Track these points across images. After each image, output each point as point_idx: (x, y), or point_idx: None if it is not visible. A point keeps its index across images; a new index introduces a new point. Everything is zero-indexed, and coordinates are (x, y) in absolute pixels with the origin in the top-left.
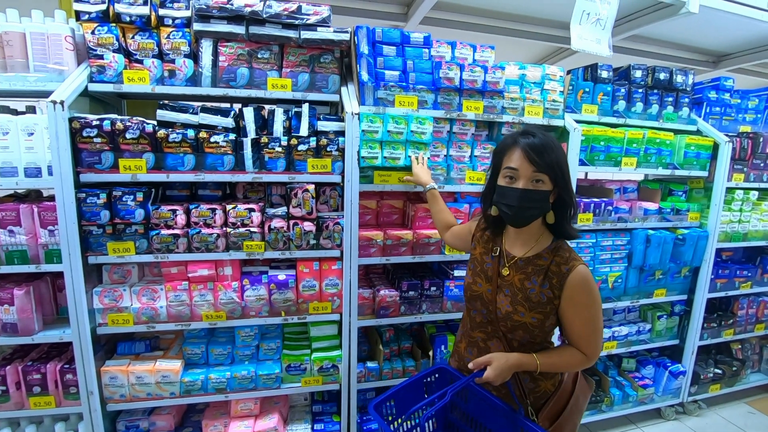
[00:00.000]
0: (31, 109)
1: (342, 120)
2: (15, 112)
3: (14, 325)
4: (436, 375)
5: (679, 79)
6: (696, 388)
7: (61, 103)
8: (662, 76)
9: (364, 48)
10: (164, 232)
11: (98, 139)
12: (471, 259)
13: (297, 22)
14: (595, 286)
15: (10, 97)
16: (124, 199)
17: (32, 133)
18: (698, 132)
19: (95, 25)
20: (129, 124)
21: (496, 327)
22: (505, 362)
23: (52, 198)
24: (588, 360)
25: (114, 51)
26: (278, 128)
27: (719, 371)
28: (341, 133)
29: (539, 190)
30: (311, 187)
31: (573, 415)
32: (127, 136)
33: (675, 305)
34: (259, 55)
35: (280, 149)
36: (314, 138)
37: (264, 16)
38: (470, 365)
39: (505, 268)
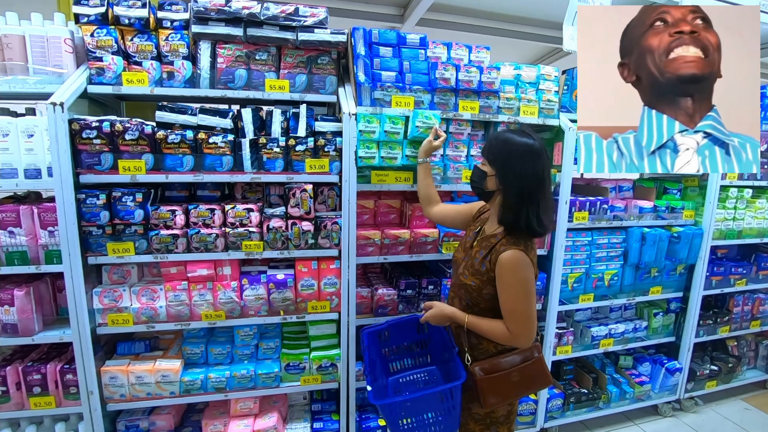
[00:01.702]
0: (31, 111)
1: (339, 120)
2: (15, 114)
3: (14, 326)
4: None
5: None
6: (692, 384)
7: (61, 104)
8: None
9: (361, 49)
10: (163, 232)
11: (98, 141)
12: (465, 232)
13: (294, 23)
14: (523, 271)
15: (10, 99)
16: (123, 199)
17: (32, 135)
18: None
19: (94, 27)
20: (128, 125)
21: (457, 286)
22: (440, 310)
23: (51, 199)
24: (512, 337)
25: (113, 53)
26: (276, 129)
27: (715, 368)
28: (339, 134)
29: (478, 168)
30: (309, 187)
31: (504, 383)
32: (127, 137)
33: (671, 302)
34: (256, 57)
35: (278, 150)
36: (312, 138)
37: (261, 18)
38: (424, 305)
39: (476, 240)
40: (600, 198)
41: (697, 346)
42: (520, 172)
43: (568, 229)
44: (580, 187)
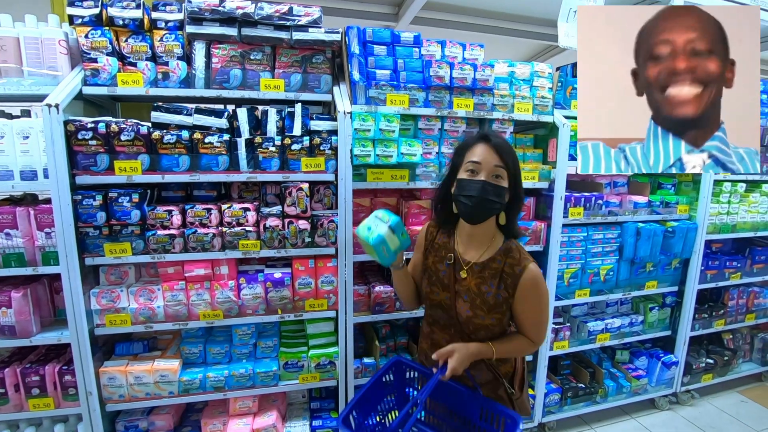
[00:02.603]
0: (26, 113)
1: (334, 119)
2: (10, 117)
3: (12, 328)
4: (393, 369)
5: None
6: (689, 378)
7: (56, 106)
8: None
9: (356, 48)
10: (160, 232)
11: (93, 142)
12: (425, 269)
13: (288, 23)
14: (544, 282)
15: (5, 101)
16: (120, 200)
17: (27, 137)
18: None
19: (88, 29)
20: (124, 126)
21: (459, 329)
22: (465, 351)
23: (47, 201)
24: (534, 345)
25: (108, 54)
26: (272, 128)
27: (711, 361)
28: (334, 132)
29: (498, 185)
30: (305, 186)
31: (526, 389)
32: (122, 138)
33: (666, 297)
34: (251, 57)
35: (273, 149)
36: (307, 137)
37: (256, 17)
38: (434, 356)
39: (462, 270)
40: (595, 194)
41: (692, 340)
42: (521, 180)
43: (564, 225)
44: (575, 183)
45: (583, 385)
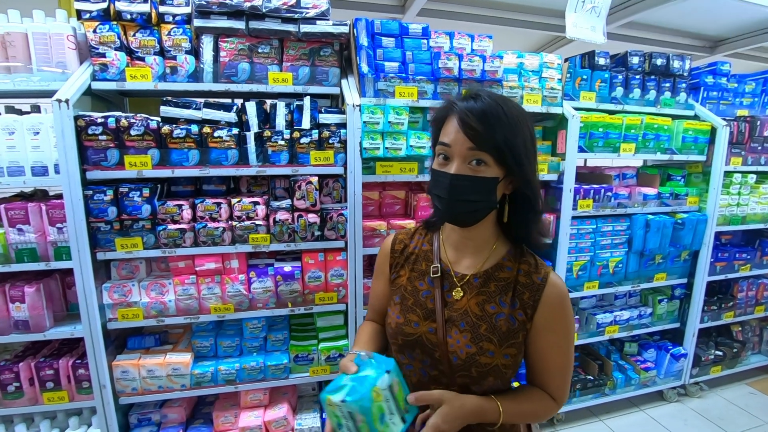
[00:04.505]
0: (36, 109)
1: (343, 112)
2: (20, 112)
3: (26, 322)
4: None
5: (676, 64)
6: (697, 370)
7: (66, 101)
8: (659, 62)
9: (364, 40)
10: (171, 226)
11: (103, 137)
12: (394, 290)
13: (296, 16)
14: (571, 304)
15: (14, 97)
16: (130, 195)
17: (38, 132)
18: (696, 117)
19: (96, 23)
20: (133, 120)
21: (451, 380)
22: (459, 406)
23: (58, 196)
24: (557, 405)
25: (116, 49)
26: (280, 122)
27: (720, 353)
28: (343, 125)
29: (479, 177)
30: (314, 179)
31: None
32: (132, 132)
33: (675, 289)
34: (259, 50)
35: (282, 142)
36: (316, 131)
37: (263, 10)
38: (410, 398)
39: (456, 289)
40: (604, 186)
41: (701, 332)
42: (535, 157)
43: (573, 217)
44: (584, 175)
45: (592, 377)
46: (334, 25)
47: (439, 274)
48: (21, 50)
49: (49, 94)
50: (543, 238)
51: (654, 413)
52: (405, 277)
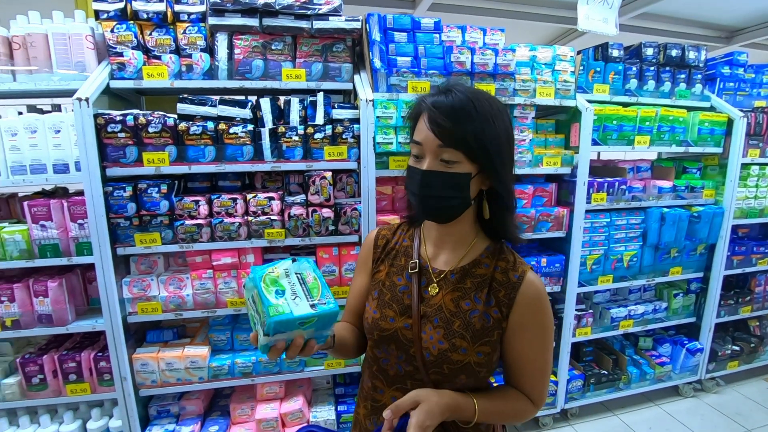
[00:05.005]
0: (57, 108)
1: (356, 107)
2: (41, 112)
3: (49, 316)
4: None
5: (692, 55)
6: (714, 365)
7: (86, 100)
8: (674, 53)
9: (376, 35)
10: (188, 222)
11: (122, 134)
12: (373, 284)
13: (309, 12)
14: (549, 302)
15: (36, 97)
16: (149, 191)
17: (59, 131)
18: (712, 108)
19: (114, 23)
20: (151, 118)
21: (424, 377)
22: (436, 403)
23: (79, 193)
24: (534, 407)
25: (133, 48)
26: (294, 118)
27: (737, 348)
28: (356, 121)
29: (451, 173)
30: (328, 175)
31: None
32: (150, 130)
33: (691, 283)
34: (273, 47)
35: (297, 138)
36: (330, 126)
37: (276, 7)
38: (385, 413)
39: (432, 285)
40: (618, 179)
41: (718, 327)
42: (511, 153)
43: (587, 211)
44: (598, 168)
45: (606, 372)
46: (346, 20)
47: (416, 270)
48: (42, 51)
49: (69, 93)
50: (518, 232)
51: (669, 408)
52: (384, 272)
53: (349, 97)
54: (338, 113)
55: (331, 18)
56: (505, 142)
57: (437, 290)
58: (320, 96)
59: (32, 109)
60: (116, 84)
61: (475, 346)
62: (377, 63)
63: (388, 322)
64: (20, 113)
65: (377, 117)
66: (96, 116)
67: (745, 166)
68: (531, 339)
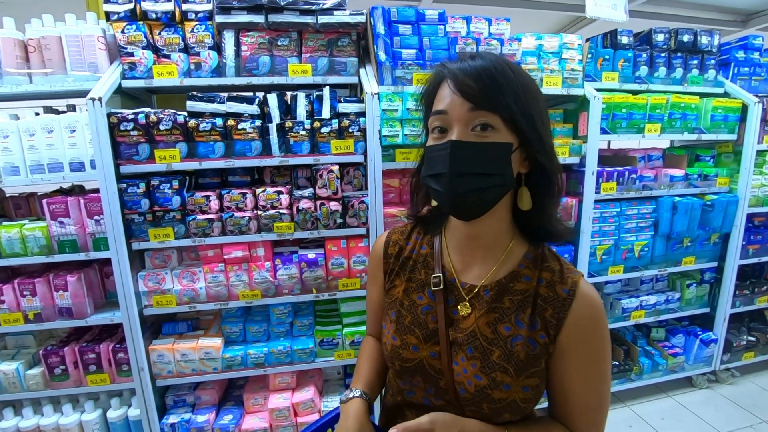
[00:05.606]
0: (72, 108)
1: (362, 101)
2: (57, 112)
3: (69, 309)
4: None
5: (704, 40)
6: (728, 356)
7: (99, 99)
8: (686, 38)
9: (381, 28)
10: (200, 217)
11: (135, 132)
12: (389, 303)
13: (313, 7)
14: (606, 318)
15: (51, 98)
16: (161, 187)
17: (74, 130)
18: (726, 94)
19: (124, 24)
20: (162, 116)
21: (460, 412)
22: (455, 429)
23: (94, 190)
24: None
25: (143, 48)
26: (301, 112)
27: (753, 339)
28: (362, 114)
29: (489, 143)
30: (335, 168)
31: None
32: (161, 127)
33: (705, 273)
34: (279, 43)
35: (304, 132)
36: (336, 120)
37: (282, 3)
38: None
39: (463, 303)
40: (628, 168)
41: (733, 317)
42: (547, 124)
43: (596, 201)
44: (608, 158)
45: (618, 363)
46: (350, 14)
47: (441, 286)
48: (56, 53)
49: (82, 94)
50: (565, 226)
51: (683, 399)
52: (401, 289)
53: (355, 91)
54: (344, 107)
55: (335, 12)
56: (545, 114)
57: (469, 311)
58: (326, 90)
59: (48, 109)
60: (128, 83)
61: (520, 380)
62: (382, 56)
63: (410, 351)
64: (37, 114)
65: (383, 110)
66: (109, 115)
67: (760, 153)
68: (583, 366)
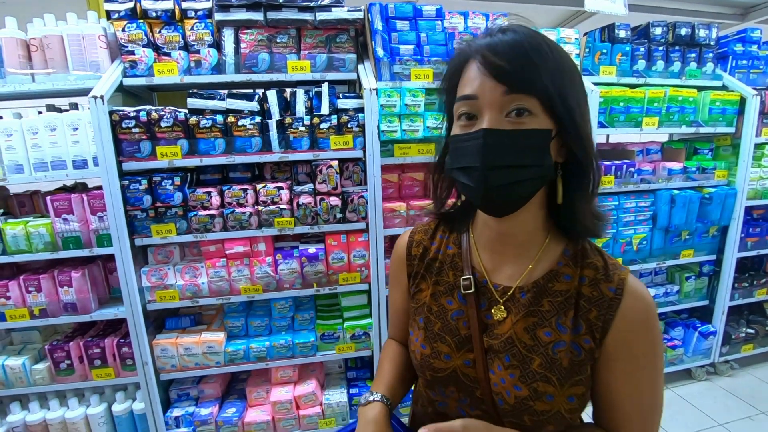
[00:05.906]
0: (74, 106)
1: (361, 97)
2: (59, 110)
3: (74, 305)
4: None
5: (702, 33)
6: (727, 348)
7: (101, 97)
8: (683, 31)
9: (378, 24)
10: (201, 213)
11: (136, 130)
12: (416, 308)
13: (312, 4)
14: (658, 317)
15: (54, 96)
16: (163, 184)
17: (77, 128)
18: (724, 87)
19: (125, 22)
20: (163, 113)
21: (496, 422)
22: None
23: (97, 187)
24: None
25: (143, 46)
26: (300, 109)
27: (752, 331)
28: (361, 110)
29: (526, 131)
30: (335, 164)
31: None
32: (162, 124)
33: (703, 266)
34: (278, 40)
35: (303, 129)
36: (335, 116)
37: (280, 1)
38: None
39: (497, 307)
40: (626, 161)
41: (732, 310)
42: (585, 106)
43: None
44: (606, 151)
45: None
46: (348, 11)
47: (472, 289)
48: (58, 52)
49: (84, 92)
50: (602, 223)
51: (681, 392)
52: (428, 293)
53: (354, 87)
54: (343, 103)
55: (333, 9)
56: (583, 93)
57: (504, 315)
58: (325, 87)
59: (51, 108)
60: (129, 81)
61: (564, 389)
62: (380, 52)
63: (442, 360)
64: (40, 112)
65: (381, 105)
66: (111, 113)
67: (758, 146)
68: (634, 371)
